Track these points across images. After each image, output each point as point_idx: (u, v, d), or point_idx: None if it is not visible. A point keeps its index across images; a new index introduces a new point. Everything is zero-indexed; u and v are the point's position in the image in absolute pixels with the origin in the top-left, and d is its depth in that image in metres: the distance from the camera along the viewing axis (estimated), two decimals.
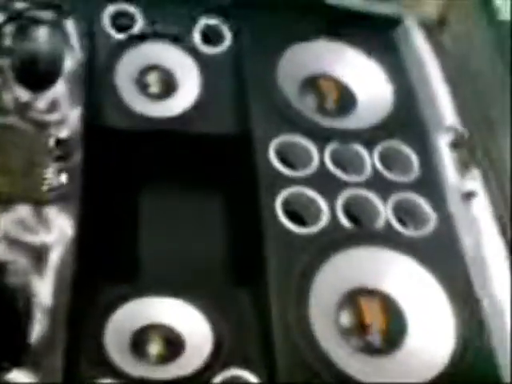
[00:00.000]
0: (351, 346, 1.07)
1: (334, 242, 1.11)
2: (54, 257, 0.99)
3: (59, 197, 1.04)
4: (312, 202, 1.17)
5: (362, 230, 1.16)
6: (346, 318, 1.09)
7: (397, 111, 1.34)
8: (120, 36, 1.35)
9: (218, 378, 0.97)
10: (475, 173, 1.18)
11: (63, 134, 1.11)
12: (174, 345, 1.05)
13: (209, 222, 1.31)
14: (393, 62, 1.43)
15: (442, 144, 1.27)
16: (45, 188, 1.04)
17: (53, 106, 1.15)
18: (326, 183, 1.20)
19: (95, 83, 1.27)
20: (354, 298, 1.12)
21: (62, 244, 1.00)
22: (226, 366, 0.99)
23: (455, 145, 1.25)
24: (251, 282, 1.15)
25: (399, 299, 1.12)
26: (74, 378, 0.91)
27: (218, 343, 1.03)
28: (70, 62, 1.23)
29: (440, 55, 1.38)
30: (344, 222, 1.15)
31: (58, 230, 1.01)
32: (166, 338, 1.05)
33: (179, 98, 1.37)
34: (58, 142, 1.10)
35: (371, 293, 1.13)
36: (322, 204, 1.16)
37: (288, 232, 1.12)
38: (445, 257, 1.14)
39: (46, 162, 1.07)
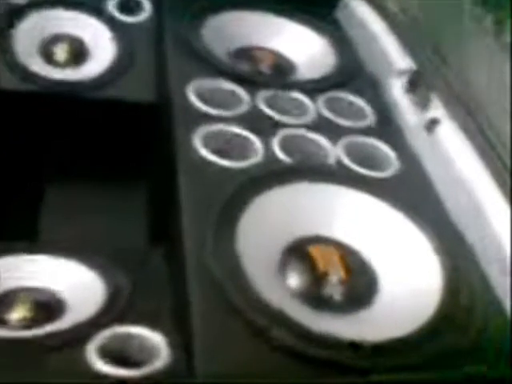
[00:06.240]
0: (304, 301, 0.78)
1: (268, 175, 0.87)
2: None
3: None
4: (241, 138, 0.94)
5: (306, 164, 0.92)
6: (293, 269, 0.82)
7: (341, 68, 1.17)
8: (20, 0, 1.20)
9: (102, 335, 0.66)
10: (436, 102, 0.98)
11: None
12: (48, 307, 0.75)
13: (121, 188, 1.06)
14: (333, 28, 1.29)
15: (396, 88, 1.09)
16: None
17: None
18: (258, 123, 0.98)
19: None
20: (302, 246, 0.85)
21: None
22: (116, 322, 0.69)
23: (411, 84, 1.06)
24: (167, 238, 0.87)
25: (363, 247, 0.85)
26: None
27: (111, 302, 0.73)
28: None
29: (383, 16, 1.25)
30: (282, 156, 0.91)
31: None
32: (38, 301, 0.75)
33: (91, 65, 1.19)
34: None
35: (325, 241, 0.86)
36: (255, 141, 0.93)
37: (209, 165, 0.87)
38: (416, 195, 0.90)
39: None
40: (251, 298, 0.71)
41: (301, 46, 1.27)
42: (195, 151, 0.88)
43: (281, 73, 1.21)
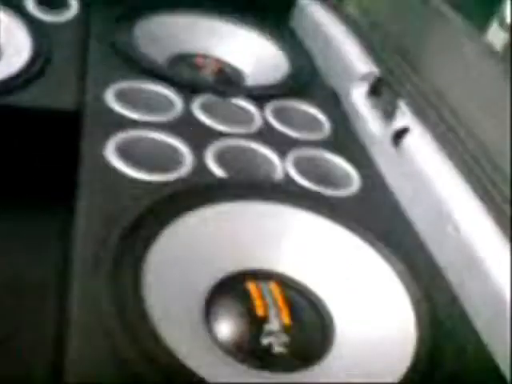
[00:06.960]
0: (234, 356, 0.59)
1: (195, 190, 0.68)
2: None
3: None
4: (166, 147, 0.76)
5: (244, 179, 0.74)
6: (221, 313, 0.63)
7: (293, 75, 1.01)
8: None
9: None
10: (403, 111, 0.83)
11: None
12: None
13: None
14: (286, 35, 1.14)
15: (357, 96, 0.93)
16: None
17: None
18: (191, 131, 0.80)
19: None
20: (236, 284, 0.66)
21: None
22: None
23: (375, 91, 0.91)
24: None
25: (315, 283, 0.67)
26: None
27: None
28: None
29: (343, 19, 1.11)
30: (215, 169, 0.74)
31: None
32: None
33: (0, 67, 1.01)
34: None
35: (266, 276, 0.68)
36: (184, 151, 0.76)
37: (120, 179, 0.69)
38: (380, 218, 0.73)
39: None
40: (150, 354, 0.52)
41: (250, 53, 1.11)
42: (105, 162, 0.70)
43: (226, 80, 1.05)
